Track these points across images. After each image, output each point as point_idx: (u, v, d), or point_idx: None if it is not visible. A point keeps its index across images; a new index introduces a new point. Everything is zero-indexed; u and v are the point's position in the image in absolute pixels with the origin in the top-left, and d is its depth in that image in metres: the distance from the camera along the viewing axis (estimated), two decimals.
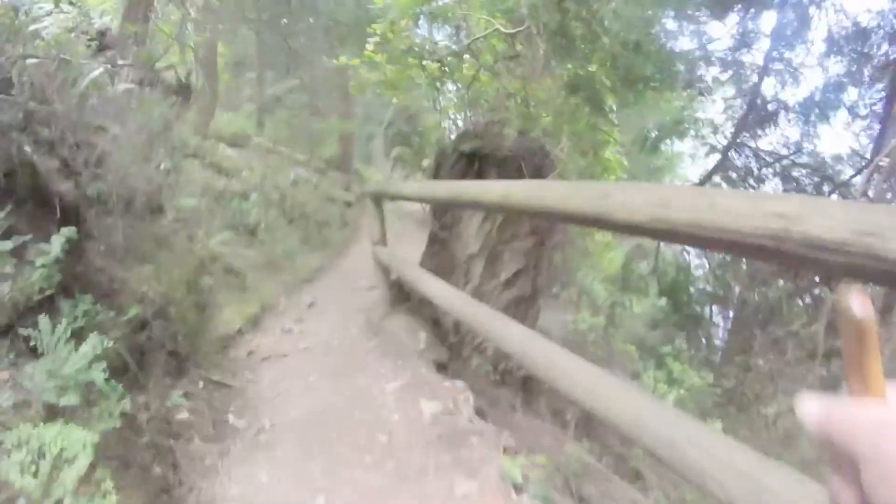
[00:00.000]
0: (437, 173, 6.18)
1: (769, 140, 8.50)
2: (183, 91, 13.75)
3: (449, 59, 5.44)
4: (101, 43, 6.90)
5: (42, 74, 4.49)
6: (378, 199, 6.07)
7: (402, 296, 6.30)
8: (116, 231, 5.24)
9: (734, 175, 8.43)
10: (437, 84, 6.71)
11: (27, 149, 3.89)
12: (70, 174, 4.52)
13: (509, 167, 5.62)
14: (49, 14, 4.99)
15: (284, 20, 18.24)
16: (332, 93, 19.76)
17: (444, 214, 6.09)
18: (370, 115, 24.91)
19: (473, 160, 5.76)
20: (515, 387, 6.03)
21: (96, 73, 5.90)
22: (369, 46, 7.09)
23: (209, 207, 8.10)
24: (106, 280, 4.69)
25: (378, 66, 6.59)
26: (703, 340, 9.22)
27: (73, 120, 4.64)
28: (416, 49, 5.03)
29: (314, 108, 18.35)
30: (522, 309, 6.40)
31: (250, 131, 16.22)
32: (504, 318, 3.06)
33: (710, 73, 8.58)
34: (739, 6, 8.03)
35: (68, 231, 3.82)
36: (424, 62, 5.89)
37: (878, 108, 7.90)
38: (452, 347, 6.24)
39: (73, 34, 5.18)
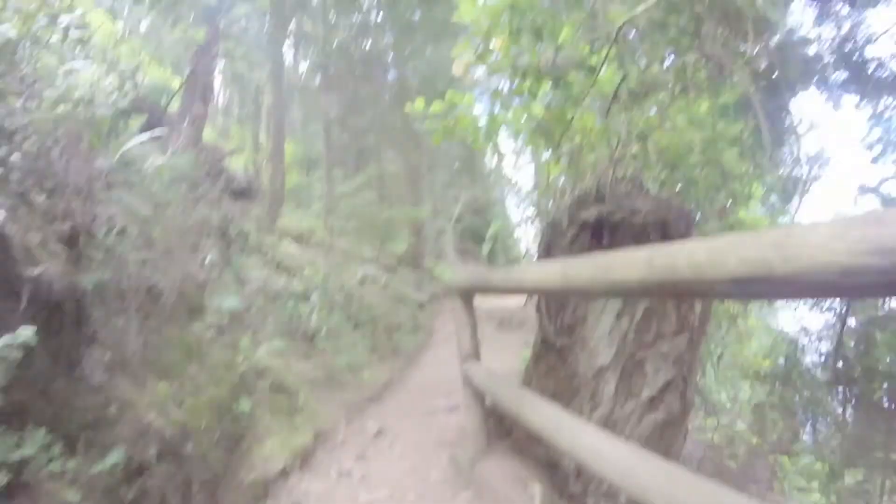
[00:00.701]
0: (548, 253, 4.75)
1: None
2: (249, 187, 13.44)
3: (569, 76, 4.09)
4: (150, 117, 6.31)
5: (50, 130, 3.55)
6: (468, 295, 4.68)
7: (501, 429, 4.72)
8: (129, 335, 4.06)
9: None
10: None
11: None
12: (66, 255, 3.41)
13: (650, 238, 4.15)
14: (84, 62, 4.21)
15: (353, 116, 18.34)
16: (401, 188, 19.35)
17: (561, 312, 4.59)
18: (439, 210, 24.42)
19: (600, 232, 4.32)
20: None
21: (136, 141, 5.06)
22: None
23: (262, 309, 6.97)
24: (99, 403, 3.42)
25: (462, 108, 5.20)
26: None
27: (81, 187, 3.62)
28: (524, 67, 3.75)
29: (383, 202, 17.77)
30: (668, 436, 4.64)
31: (317, 228, 15.70)
32: (645, 455, 2.05)
33: None
34: None
35: (25, 333, 2.60)
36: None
37: None
38: (574, 499, 4.50)
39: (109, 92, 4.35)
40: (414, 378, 8.61)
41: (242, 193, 12.56)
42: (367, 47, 18.77)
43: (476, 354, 4.80)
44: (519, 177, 34.13)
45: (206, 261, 5.99)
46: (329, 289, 9.38)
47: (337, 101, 18.32)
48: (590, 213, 4.31)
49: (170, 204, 5.30)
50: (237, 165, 15.84)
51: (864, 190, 7.43)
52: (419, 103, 4.43)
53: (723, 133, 4.31)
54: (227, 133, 20.46)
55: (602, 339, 4.34)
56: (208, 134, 14.29)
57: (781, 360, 8.01)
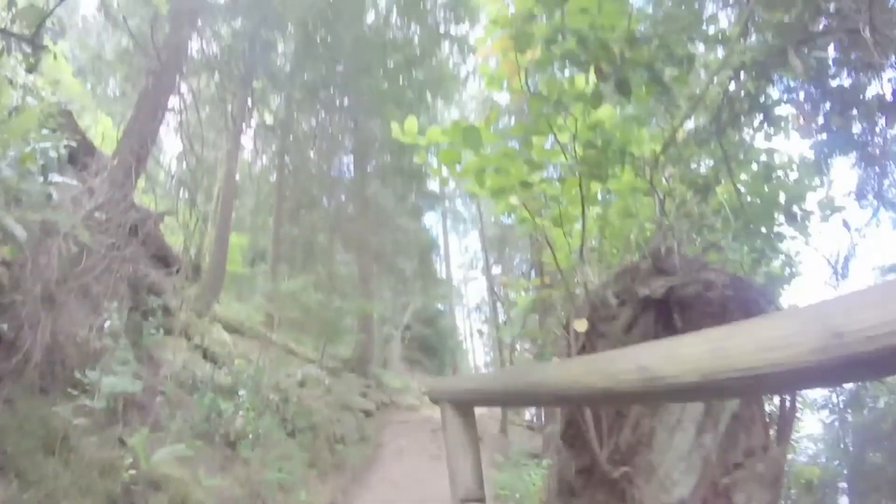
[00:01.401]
0: (591, 344, 3.53)
1: None
2: (183, 265, 11.91)
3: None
4: (71, 149, 5.04)
5: None
6: (467, 406, 3.17)
7: None
8: None
9: None
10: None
11: None
12: None
13: (731, 318, 3.04)
14: None
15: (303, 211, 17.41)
16: (350, 290, 18.07)
17: (615, 430, 3.26)
18: (386, 318, 23.07)
19: (667, 310, 3.20)
20: None
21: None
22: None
23: (170, 401, 5.44)
24: None
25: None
26: None
27: None
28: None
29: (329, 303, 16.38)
30: None
31: (257, 321, 14.06)
32: None
33: None
34: None
35: None
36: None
37: None
38: None
39: None
40: (364, 502, 6.95)
41: (174, 269, 11.03)
42: (325, 146, 18.31)
43: (481, 493, 3.32)
44: (467, 289, 33.45)
45: (105, 327, 4.54)
46: (262, 386, 7.81)
47: (291, 197, 17.46)
48: (655, 287, 3.19)
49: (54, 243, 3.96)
50: (175, 241, 14.32)
51: None
52: (411, 124, 3.17)
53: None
54: (172, 206, 19.03)
55: (678, 463, 3.08)
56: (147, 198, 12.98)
57: None
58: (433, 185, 20.51)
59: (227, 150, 15.13)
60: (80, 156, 6.96)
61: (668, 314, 3.28)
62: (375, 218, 17.07)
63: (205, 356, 8.62)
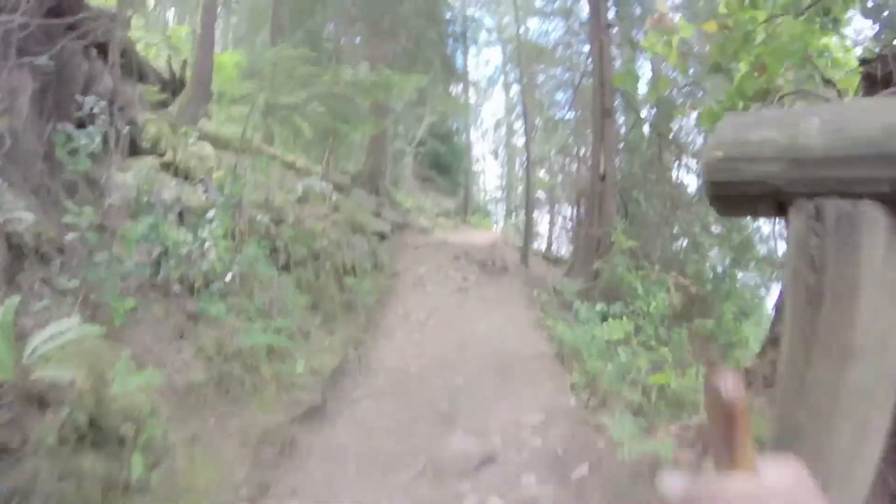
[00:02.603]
0: None
1: None
2: (158, 75, 9.23)
3: None
4: None
5: None
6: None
7: None
8: None
9: None
10: None
11: None
12: None
13: None
14: None
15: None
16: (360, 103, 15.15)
17: None
18: (398, 133, 20.38)
19: None
20: None
21: None
22: None
23: (90, 235, 3.23)
24: None
25: None
26: None
27: None
28: None
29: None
30: None
31: (255, 139, 11.54)
32: None
33: None
34: None
35: None
36: None
37: None
38: None
39: None
40: (384, 360, 5.06)
41: (149, 79, 8.39)
42: None
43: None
44: (482, 110, 29.95)
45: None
46: (245, 205, 5.58)
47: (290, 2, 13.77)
48: None
49: None
50: (153, 55, 11.29)
51: None
52: None
53: None
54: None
55: None
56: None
57: None
58: None
59: None
60: None
61: None
62: (393, 14, 13.48)
63: (176, 173, 6.37)
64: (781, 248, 10.17)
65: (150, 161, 6.36)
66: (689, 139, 11.80)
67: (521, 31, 17.02)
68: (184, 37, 14.29)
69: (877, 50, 3.30)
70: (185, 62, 9.95)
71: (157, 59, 10.64)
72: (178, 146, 7.18)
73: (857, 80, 3.61)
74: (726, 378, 0.38)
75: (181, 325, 3.91)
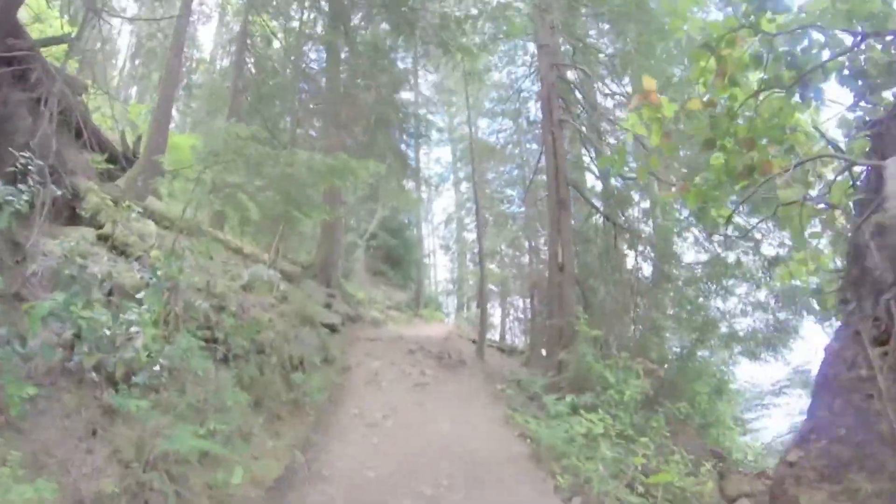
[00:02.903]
0: None
1: None
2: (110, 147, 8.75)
3: None
4: None
5: None
6: None
7: None
8: None
9: None
10: None
11: None
12: None
13: None
14: None
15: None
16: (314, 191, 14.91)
17: None
18: (350, 226, 20.14)
19: None
20: None
21: None
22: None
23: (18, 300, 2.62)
24: None
25: None
26: None
27: None
28: None
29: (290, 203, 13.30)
30: None
31: (201, 222, 10.95)
32: None
33: None
34: None
35: None
36: None
37: None
38: None
39: None
40: (337, 466, 4.32)
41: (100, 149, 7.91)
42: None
43: None
44: (432, 206, 30.37)
45: None
46: (184, 288, 4.97)
47: (252, 87, 13.87)
48: None
49: None
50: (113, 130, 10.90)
51: None
52: None
53: None
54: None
55: None
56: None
57: None
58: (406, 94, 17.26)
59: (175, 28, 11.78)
60: None
61: None
62: (350, 109, 13.59)
63: (113, 248, 5.79)
64: (742, 324, 10.14)
65: (85, 232, 5.78)
66: (642, 227, 12.00)
67: (473, 130, 17.55)
68: (143, 114, 14.05)
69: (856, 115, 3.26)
70: (139, 138, 9.56)
71: (113, 131, 10.26)
72: (119, 220, 6.58)
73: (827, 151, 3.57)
74: None
75: (94, 421, 3.20)
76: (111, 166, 7.97)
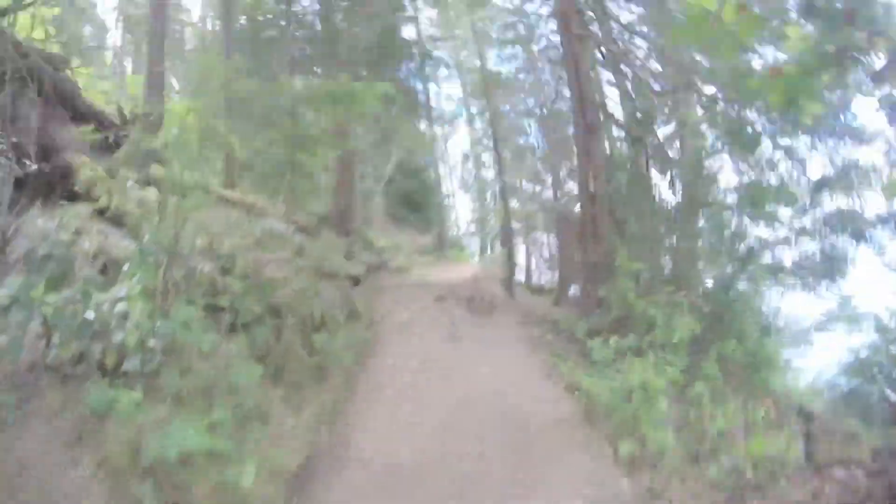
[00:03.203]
0: None
1: None
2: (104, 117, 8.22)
3: None
4: None
5: None
6: None
7: None
8: None
9: None
10: None
11: None
12: None
13: None
14: None
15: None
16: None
17: None
18: (366, 172, 19.42)
19: None
20: None
21: None
22: None
23: None
24: None
25: None
26: None
27: None
28: None
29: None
30: None
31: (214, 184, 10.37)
32: None
33: None
34: None
35: None
36: None
37: None
38: None
39: None
40: (364, 446, 3.83)
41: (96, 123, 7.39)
42: None
43: None
44: (447, 144, 29.21)
45: None
46: (184, 253, 4.41)
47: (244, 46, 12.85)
48: None
49: None
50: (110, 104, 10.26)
51: None
52: None
53: None
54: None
55: None
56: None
57: None
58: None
59: None
60: None
61: None
62: (350, 50, 12.60)
63: (111, 221, 5.31)
64: (789, 253, 9.31)
65: (80, 208, 5.30)
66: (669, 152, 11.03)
67: (482, 63, 16.38)
68: (140, 85, 13.37)
69: None
70: (137, 108, 9.01)
71: (110, 105, 9.73)
72: (116, 191, 6.07)
73: None
74: None
75: (81, 423, 2.72)
76: (109, 139, 7.52)
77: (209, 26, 19.87)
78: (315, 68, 14.97)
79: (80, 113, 7.47)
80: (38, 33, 8.72)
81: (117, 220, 5.51)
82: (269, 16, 13.72)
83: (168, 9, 12.47)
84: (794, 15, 2.64)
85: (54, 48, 9.63)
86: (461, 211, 31.74)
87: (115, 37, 21.21)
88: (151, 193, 6.35)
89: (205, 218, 5.84)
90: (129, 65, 20.80)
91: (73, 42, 15.93)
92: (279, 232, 7.29)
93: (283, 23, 13.18)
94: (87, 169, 6.38)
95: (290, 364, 4.66)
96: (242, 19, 13.65)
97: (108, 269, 4.21)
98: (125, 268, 3.62)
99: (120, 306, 3.25)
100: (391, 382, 5.20)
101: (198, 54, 15.83)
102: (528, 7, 14.84)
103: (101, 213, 5.48)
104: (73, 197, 5.76)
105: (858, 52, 2.44)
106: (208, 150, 6.18)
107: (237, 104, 5.96)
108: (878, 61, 2.66)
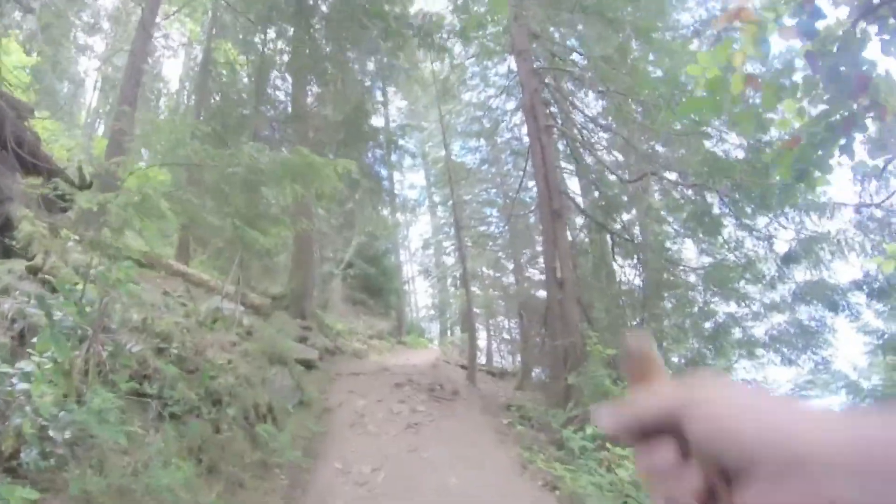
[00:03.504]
0: None
1: None
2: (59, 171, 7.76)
3: None
4: None
5: None
6: None
7: None
8: None
9: None
10: None
11: None
12: None
13: None
14: None
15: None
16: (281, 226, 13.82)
17: None
18: (326, 255, 19.06)
19: None
20: None
21: None
22: None
23: None
24: None
25: None
26: None
27: None
28: None
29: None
30: None
31: (166, 256, 9.76)
32: None
33: None
34: None
35: None
36: None
37: None
38: None
39: None
40: None
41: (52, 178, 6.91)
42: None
43: None
44: (409, 231, 29.40)
45: None
46: (115, 328, 3.86)
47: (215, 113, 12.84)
48: None
49: None
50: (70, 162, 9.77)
51: None
52: None
53: None
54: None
55: None
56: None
57: None
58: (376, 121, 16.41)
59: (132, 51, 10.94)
60: None
61: None
62: (319, 131, 12.67)
63: (44, 282, 4.74)
64: (760, 328, 9.26)
65: (14, 264, 4.76)
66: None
67: (447, 153, 16.70)
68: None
69: None
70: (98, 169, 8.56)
71: (71, 163, 9.28)
72: (53, 251, 5.52)
73: None
74: (637, 337, 0.40)
75: None
76: (64, 197, 7.06)
77: (185, 99, 19.92)
78: (283, 148, 14.95)
79: (36, 165, 7.02)
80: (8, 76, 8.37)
81: (50, 282, 4.94)
82: (244, 95, 13.78)
83: (142, 75, 12.36)
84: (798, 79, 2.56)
85: (24, 96, 9.21)
86: (421, 296, 31.44)
87: (92, 98, 21.08)
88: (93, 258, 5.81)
89: (142, 291, 5.30)
90: (101, 127, 20.54)
91: (46, 94, 15.52)
92: (227, 312, 6.72)
93: (254, 104, 13.22)
94: (27, 223, 5.86)
95: (229, 459, 4.01)
96: (217, 95, 13.65)
97: (27, 337, 3.63)
98: (34, 339, 3.06)
99: (23, 384, 2.69)
100: (345, 479, 4.55)
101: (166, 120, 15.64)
102: (494, 102, 15.40)
103: (34, 272, 4.92)
104: (7, 252, 5.24)
105: (866, 121, 2.34)
106: (162, 220, 5.74)
107: (195, 171, 5.60)
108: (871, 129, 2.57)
